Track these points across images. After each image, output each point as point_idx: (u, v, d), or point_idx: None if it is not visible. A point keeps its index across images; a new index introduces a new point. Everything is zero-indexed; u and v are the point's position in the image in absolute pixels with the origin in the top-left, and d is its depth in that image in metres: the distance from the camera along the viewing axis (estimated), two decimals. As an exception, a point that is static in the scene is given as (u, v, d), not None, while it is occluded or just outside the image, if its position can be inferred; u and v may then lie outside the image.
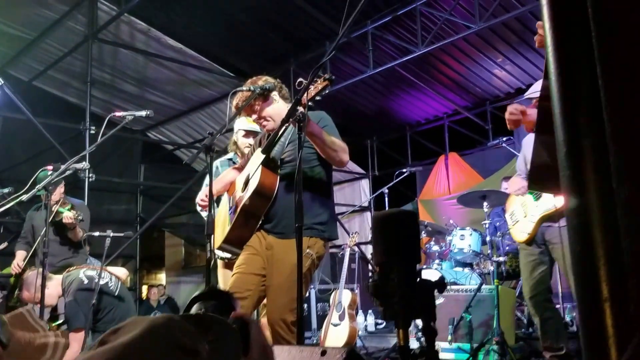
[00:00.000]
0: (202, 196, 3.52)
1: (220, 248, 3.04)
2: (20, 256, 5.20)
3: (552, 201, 3.53)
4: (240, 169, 3.29)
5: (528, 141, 3.81)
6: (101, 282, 4.14)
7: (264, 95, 2.95)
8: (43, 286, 3.55)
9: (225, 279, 3.98)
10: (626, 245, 0.84)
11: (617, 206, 0.84)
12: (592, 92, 0.88)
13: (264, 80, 3.01)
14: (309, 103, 2.52)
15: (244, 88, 2.97)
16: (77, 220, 4.62)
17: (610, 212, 0.84)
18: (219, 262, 4.10)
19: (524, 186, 3.70)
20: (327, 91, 2.51)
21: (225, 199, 3.34)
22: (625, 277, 0.84)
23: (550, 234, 3.58)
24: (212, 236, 2.82)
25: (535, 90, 3.36)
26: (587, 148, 0.87)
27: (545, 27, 0.94)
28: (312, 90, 2.51)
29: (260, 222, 2.93)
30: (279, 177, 2.89)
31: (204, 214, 3.94)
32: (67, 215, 4.57)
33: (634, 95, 0.86)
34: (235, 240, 2.94)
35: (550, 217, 3.55)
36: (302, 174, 2.50)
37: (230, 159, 4.15)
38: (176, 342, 0.81)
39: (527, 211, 3.71)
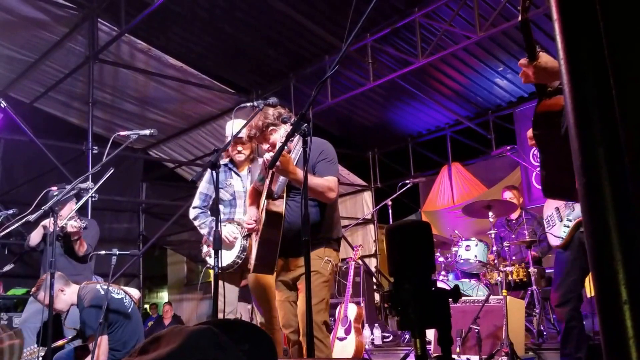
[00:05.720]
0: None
1: (254, 272, 3.29)
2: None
3: None
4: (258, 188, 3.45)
5: None
6: (116, 297, 4.11)
7: (276, 125, 3.18)
8: (51, 305, 3.53)
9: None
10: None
11: (634, 210, 0.85)
12: (605, 101, 0.89)
13: (272, 113, 3.18)
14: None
15: (260, 123, 3.16)
16: (81, 229, 4.54)
17: (628, 216, 0.87)
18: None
19: None
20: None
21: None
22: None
23: None
24: (220, 252, 2.84)
25: None
26: (602, 155, 0.89)
27: (556, 38, 0.95)
28: (282, 138, 2.70)
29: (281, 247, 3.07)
30: (285, 204, 3.04)
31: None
32: (72, 225, 4.48)
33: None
34: (263, 268, 3.13)
35: None
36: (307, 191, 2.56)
37: (225, 165, 4.16)
38: (211, 358, 0.81)
39: (562, 215, 3.66)
